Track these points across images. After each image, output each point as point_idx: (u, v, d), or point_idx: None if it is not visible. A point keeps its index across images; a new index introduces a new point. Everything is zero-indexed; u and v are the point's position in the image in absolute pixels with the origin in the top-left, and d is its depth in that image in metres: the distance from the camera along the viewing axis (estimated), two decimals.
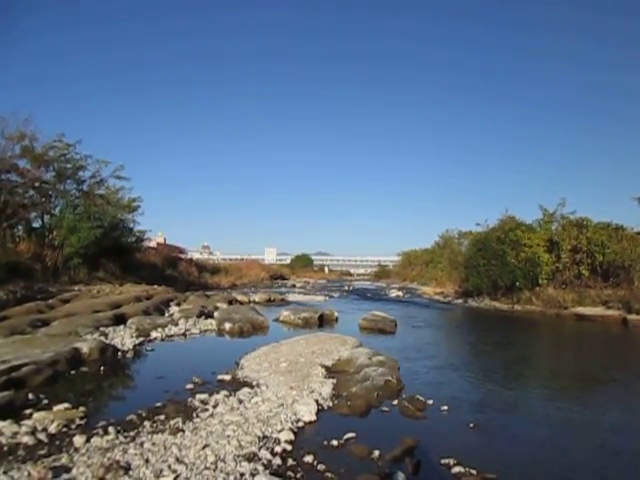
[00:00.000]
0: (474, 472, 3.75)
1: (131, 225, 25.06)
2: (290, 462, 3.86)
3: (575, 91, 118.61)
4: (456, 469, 3.81)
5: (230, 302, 16.86)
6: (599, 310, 17.19)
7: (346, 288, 38.38)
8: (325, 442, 4.27)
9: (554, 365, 8.95)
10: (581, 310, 17.58)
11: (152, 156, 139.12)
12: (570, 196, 29.49)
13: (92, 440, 4.08)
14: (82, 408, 4.92)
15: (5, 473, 3.43)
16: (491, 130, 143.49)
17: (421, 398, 5.66)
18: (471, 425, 4.90)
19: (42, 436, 4.20)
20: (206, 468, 3.63)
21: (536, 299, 19.87)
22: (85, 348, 7.31)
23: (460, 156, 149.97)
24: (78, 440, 4.07)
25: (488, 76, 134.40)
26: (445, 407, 5.44)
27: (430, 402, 5.60)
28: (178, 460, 3.74)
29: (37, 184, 19.97)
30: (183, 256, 42.29)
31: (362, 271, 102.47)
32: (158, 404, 5.15)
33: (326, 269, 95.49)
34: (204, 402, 5.28)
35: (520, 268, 20.67)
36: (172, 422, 4.59)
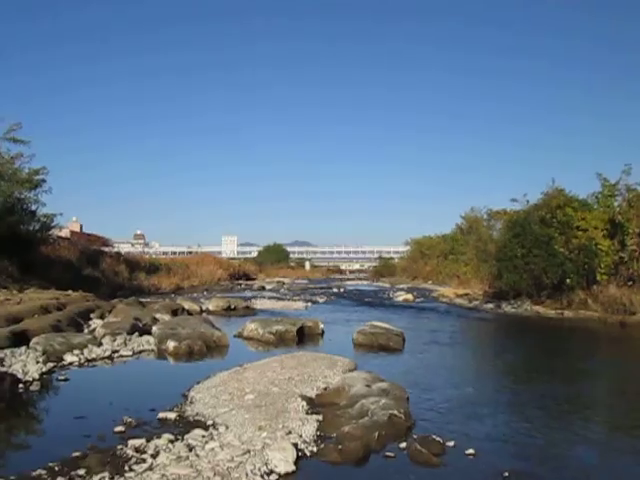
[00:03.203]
0: None
1: (33, 207, 24.63)
2: None
3: None
4: None
5: (174, 312, 16.93)
6: None
7: (335, 290, 38.65)
8: None
9: (618, 401, 8.89)
10: None
11: (60, 114, 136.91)
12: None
13: None
14: None
15: None
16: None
17: (438, 439, 5.71)
18: (505, 474, 4.96)
19: None
20: None
21: (593, 302, 20.13)
22: None
23: (493, 111, 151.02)
24: None
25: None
26: (471, 450, 5.52)
27: (450, 444, 5.68)
28: None
29: None
30: (108, 249, 41.91)
31: (357, 267, 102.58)
32: (76, 454, 5.13)
33: (307, 264, 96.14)
34: (140, 450, 5.29)
35: (572, 260, 20.94)
36: (96, 478, 4.56)
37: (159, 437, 5.58)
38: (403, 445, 5.61)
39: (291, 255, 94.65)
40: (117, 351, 10.77)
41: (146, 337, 12.14)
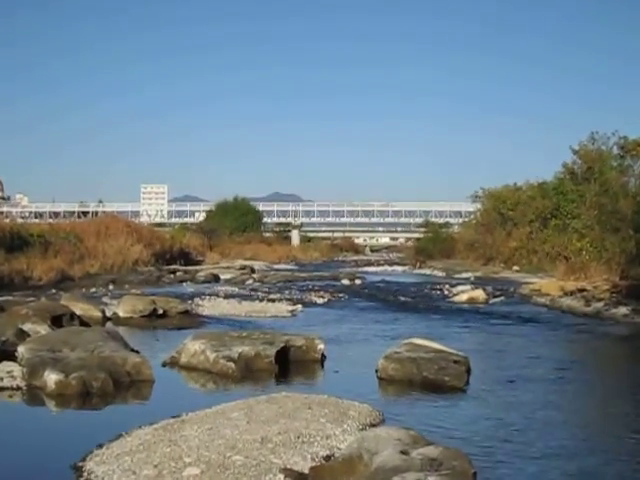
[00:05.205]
0: None
1: None
2: None
3: None
4: None
5: (57, 320, 14.24)
6: None
7: (346, 283, 32.52)
8: None
9: None
10: None
11: None
12: None
13: None
14: None
15: None
16: None
17: None
18: None
19: None
20: None
21: None
22: None
23: None
24: None
25: None
26: None
27: None
28: None
29: None
30: None
31: (385, 240, 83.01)
32: None
33: (295, 235, 76.60)
34: None
35: None
36: None
37: None
38: None
39: (266, 219, 74.41)
40: None
41: (7, 365, 10.11)
